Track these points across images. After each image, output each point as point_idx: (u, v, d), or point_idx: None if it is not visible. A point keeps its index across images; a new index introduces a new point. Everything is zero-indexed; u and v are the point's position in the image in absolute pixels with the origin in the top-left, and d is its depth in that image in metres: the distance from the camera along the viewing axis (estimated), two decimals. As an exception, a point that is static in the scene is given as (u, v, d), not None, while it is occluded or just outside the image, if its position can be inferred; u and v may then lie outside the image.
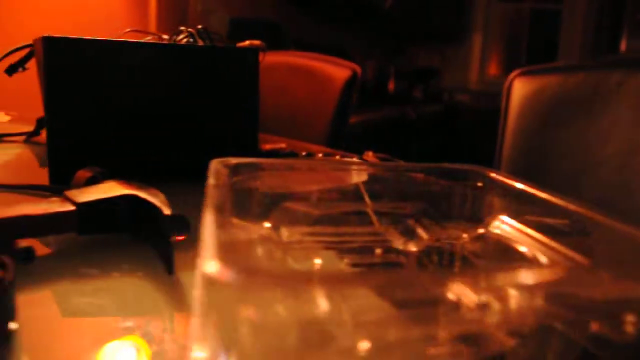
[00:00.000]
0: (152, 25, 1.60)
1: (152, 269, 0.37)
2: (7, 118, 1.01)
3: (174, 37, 0.69)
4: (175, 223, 0.38)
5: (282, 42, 2.05)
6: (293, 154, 0.68)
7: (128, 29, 0.77)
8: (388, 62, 2.65)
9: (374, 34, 2.46)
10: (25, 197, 0.53)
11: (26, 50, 0.76)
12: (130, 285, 0.36)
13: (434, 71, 2.97)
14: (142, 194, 0.41)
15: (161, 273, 0.37)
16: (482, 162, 0.66)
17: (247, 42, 0.72)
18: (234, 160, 0.37)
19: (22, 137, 0.85)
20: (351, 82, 1.12)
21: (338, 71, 1.13)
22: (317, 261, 0.36)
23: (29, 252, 0.36)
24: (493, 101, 3.49)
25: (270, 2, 2.17)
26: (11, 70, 0.74)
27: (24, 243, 0.36)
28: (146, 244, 0.41)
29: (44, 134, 0.87)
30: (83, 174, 0.48)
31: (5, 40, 0.76)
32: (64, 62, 0.56)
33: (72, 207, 0.40)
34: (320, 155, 0.72)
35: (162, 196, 0.41)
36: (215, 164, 0.35)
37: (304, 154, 0.73)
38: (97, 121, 0.59)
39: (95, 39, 0.58)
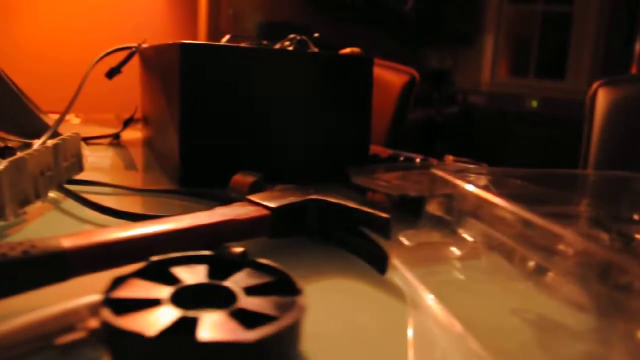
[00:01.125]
0: (202, 33, 1.60)
1: (360, 270, 0.39)
2: (77, 120, 1.01)
3: (283, 43, 0.70)
4: (384, 225, 0.39)
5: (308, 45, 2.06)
6: (411, 160, 0.69)
7: (228, 35, 0.78)
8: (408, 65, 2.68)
9: (394, 37, 2.48)
10: (167, 200, 0.54)
11: (117, 54, 0.77)
12: (354, 286, 0.37)
13: (447, 73, 3.00)
14: (330, 199, 0.43)
15: (370, 274, 0.38)
16: (502, 162, 0.69)
17: (348, 50, 0.73)
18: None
19: (107, 140, 0.86)
20: (409, 86, 1.14)
21: (397, 77, 1.15)
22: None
23: (244, 256, 0.37)
24: (505, 103, 3.55)
25: (295, 4, 2.18)
26: (111, 73, 0.74)
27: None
28: (340, 246, 0.42)
29: (124, 136, 0.87)
30: (244, 179, 0.49)
31: (57, 47, 0.77)
32: (198, 68, 0.57)
33: (266, 212, 0.41)
34: (419, 159, 0.74)
35: (352, 201, 0.43)
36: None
37: (401, 159, 0.74)
38: (225, 126, 0.60)
39: (228, 46, 0.59)
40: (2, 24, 1.13)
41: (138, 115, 0.95)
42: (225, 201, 0.49)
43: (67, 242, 0.30)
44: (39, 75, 1.14)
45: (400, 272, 0.39)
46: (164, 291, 0.27)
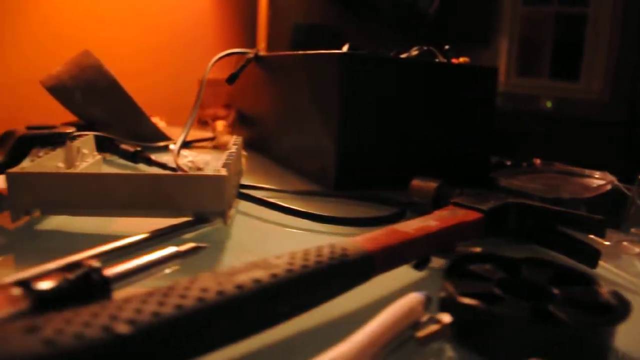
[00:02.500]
0: (262, 36, 1.62)
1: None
2: (162, 123, 1.03)
3: (410, 53, 0.73)
4: (598, 226, 0.42)
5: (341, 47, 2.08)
6: (532, 165, 0.72)
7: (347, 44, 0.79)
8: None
9: (417, 38, 2.51)
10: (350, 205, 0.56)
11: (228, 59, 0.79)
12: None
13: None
14: (528, 202, 0.45)
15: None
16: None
17: (461, 59, 0.76)
18: None
19: (209, 143, 0.88)
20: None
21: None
22: None
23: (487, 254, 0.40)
24: (519, 103, 3.58)
25: (327, 7, 2.20)
26: (232, 79, 0.76)
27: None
28: (543, 244, 0.45)
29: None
30: (426, 184, 0.51)
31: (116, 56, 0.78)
32: (356, 77, 0.60)
33: (480, 214, 0.43)
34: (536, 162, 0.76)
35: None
36: None
37: (508, 163, 0.77)
38: (375, 133, 0.62)
39: (384, 57, 0.62)
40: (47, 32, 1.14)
41: (227, 119, 0.97)
42: (403, 205, 0.52)
43: (369, 245, 0.32)
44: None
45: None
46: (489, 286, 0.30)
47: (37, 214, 0.45)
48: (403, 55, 0.73)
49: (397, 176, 0.63)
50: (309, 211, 0.49)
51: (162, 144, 0.81)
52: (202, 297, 0.23)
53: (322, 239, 0.46)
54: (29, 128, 0.51)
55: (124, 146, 0.69)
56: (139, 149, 0.69)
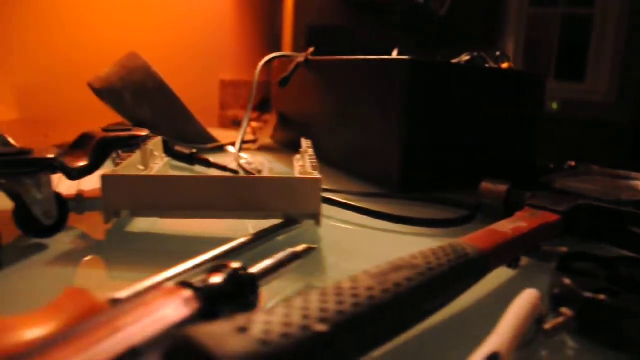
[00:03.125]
0: (288, 40, 1.63)
1: None
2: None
3: (462, 58, 0.74)
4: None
5: (354, 48, 2.10)
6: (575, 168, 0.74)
7: (396, 50, 0.81)
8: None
9: (425, 39, 2.53)
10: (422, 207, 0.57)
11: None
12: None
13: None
14: (597, 203, 0.47)
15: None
16: None
17: (505, 65, 0.77)
18: None
19: (249, 145, 0.89)
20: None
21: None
22: None
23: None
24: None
25: (339, 9, 2.21)
26: (284, 82, 0.77)
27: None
28: (615, 244, 0.46)
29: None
30: (496, 187, 0.53)
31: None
32: (422, 82, 0.62)
33: (557, 216, 0.45)
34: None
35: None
36: None
37: (551, 166, 0.79)
38: (437, 138, 0.64)
39: (447, 63, 0.63)
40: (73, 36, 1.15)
41: (260, 120, 0.98)
42: (474, 207, 0.53)
43: (481, 245, 0.34)
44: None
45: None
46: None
47: (124, 216, 0.47)
48: (454, 61, 0.75)
49: (456, 178, 0.66)
50: (397, 214, 0.51)
51: (211, 145, 0.83)
52: (371, 295, 0.24)
53: (407, 240, 0.48)
54: (105, 130, 0.53)
55: (178, 148, 0.71)
56: (194, 150, 0.70)
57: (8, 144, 0.50)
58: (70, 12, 1.18)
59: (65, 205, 0.41)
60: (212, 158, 0.70)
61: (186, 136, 0.81)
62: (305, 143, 0.60)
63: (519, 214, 0.45)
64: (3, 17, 1.07)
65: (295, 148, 0.89)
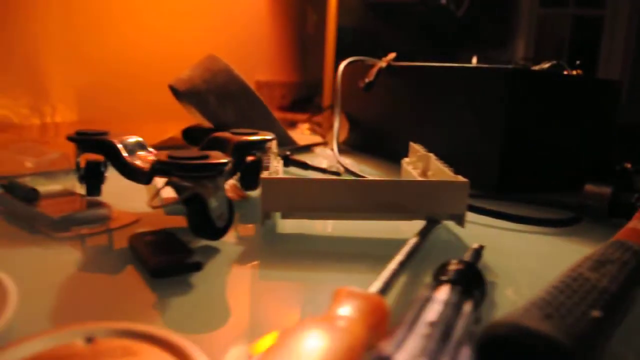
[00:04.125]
0: (331, 43, 1.64)
1: None
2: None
3: (542, 66, 0.76)
4: None
5: (378, 50, 2.12)
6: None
7: (475, 57, 0.82)
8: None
9: (442, 40, 2.54)
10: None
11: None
12: None
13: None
14: None
15: None
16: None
17: (547, 65, 0.79)
18: None
19: (321, 147, 0.90)
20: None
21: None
22: None
23: None
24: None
25: (362, 12, 2.22)
26: (368, 87, 0.78)
27: None
28: None
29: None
30: (600, 189, 0.54)
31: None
32: (520, 89, 0.64)
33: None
34: None
35: None
36: None
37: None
38: (531, 142, 0.66)
39: (542, 72, 0.65)
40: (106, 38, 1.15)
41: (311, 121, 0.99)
42: (577, 208, 0.55)
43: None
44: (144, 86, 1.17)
45: None
46: None
47: (274, 218, 0.47)
48: (535, 68, 0.76)
49: (547, 181, 0.68)
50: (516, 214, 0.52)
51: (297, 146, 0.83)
52: (605, 286, 0.26)
53: (533, 238, 0.49)
54: (234, 133, 0.53)
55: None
56: (287, 152, 0.71)
57: (146, 147, 0.50)
58: (125, 13, 1.18)
59: (232, 208, 0.42)
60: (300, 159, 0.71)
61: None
62: (417, 147, 0.61)
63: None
64: (64, 19, 1.07)
65: (365, 150, 0.90)
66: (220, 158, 0.40)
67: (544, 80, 0.68)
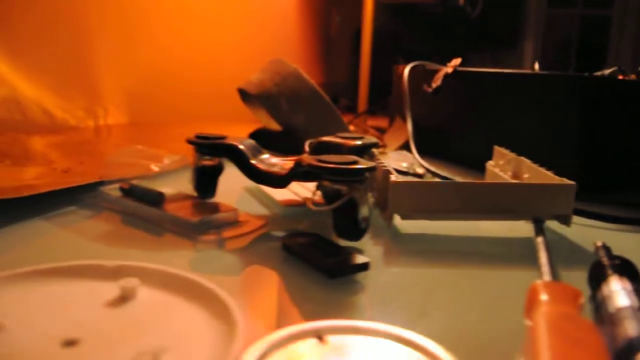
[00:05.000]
0: (367, 46, 1.65)
1: None
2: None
3: (604, 72, 0.78)
4: None
5: (397, 51, 2.13)
6: None
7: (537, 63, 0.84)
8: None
9: (456, 42, 2.57)
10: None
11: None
12: None
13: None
14: None
15: None
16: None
17: (608, 70, 0.81)
18: None
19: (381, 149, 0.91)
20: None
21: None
22: None
23: None
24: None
25: (381, 13, 2.24)
26: (436, 92, 0.79)
27: None
28: None
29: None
30: None
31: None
32: (595, 95, 0.67)
33: None
34: None
35: None
36: None
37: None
38: (606, 144, 0.68)
39: (613, 78, 0.68)
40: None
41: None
42: None
43: None
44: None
45: None
46: None
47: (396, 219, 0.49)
48: (597, 73, 0.79)
49: (621, 181, 0.70)
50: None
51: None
52: None
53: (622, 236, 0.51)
54: (342, 138, 0.54)
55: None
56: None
57: (261, 151, 0.52)
58: (169, 18, 1.19)
59: (371, 211, 0.43)
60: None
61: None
62: (503, 150, 0.63)
63: None
64: (116, 22, 1.08)
65: (426, 153, 0.91)
66: (367, 163, 0.41)
67: (616, 86, 0.71)
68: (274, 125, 0.85)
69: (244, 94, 0.83)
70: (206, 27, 1.28)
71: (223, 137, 0.50)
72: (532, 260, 0.40)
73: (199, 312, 0.29)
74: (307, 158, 0.42)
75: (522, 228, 0.49)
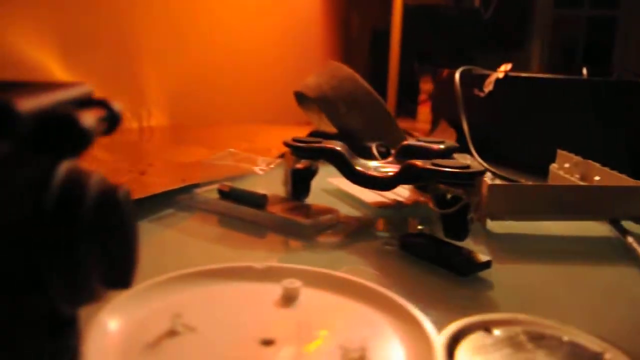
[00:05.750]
0: (396, 49, 1.67)
1: None
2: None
3: None
4: None
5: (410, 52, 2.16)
6: None
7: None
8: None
9: (468, 43, 2.59)
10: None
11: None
12: None
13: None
14: None
15: None
16: None
17: None
18: None
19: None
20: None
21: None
22: None
23: None
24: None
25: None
26: (489, 96, 0.82)
27: None
28: None
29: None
30: None
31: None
32: None
33: None
34: None
35: None
36: None
37: None
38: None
39: None
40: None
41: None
42: None
43: None
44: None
45: None
46: None
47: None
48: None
49: None
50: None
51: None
52: None
53: None
54: (423, 142, 0.57)
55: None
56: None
57: (354, 155, 0.53)
58: (211, 20, 1.21)
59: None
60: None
61: (390, 143, 0.85)
62: (566, 153, 0.65)
63: None
64: (161, 24, 1.09)
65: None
66: (479, 167, 0.43)
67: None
68: (327, 128, 0.87)
69: (301, 97, 0.85)
70: (240, 31, 1.29)
71: (319, 141, 0.52)
72: (622, 257, 0.43)
73: (367, 310, 0.31)
74: (420, 163, 0.44)
75: (595, 228, 0.52)
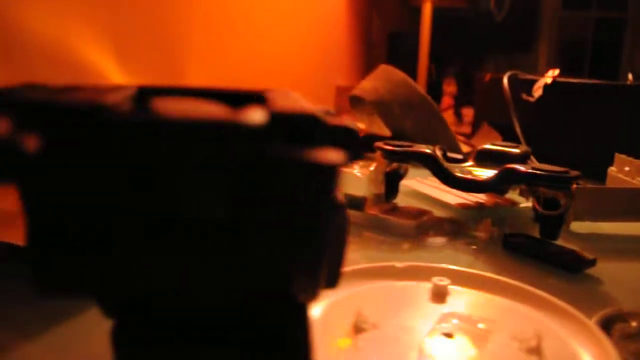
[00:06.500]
0: (425, 53, 1.69)
1: None
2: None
3: None
4: None
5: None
6: None
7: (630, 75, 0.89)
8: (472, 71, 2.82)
9: (480, 45, 2.63)
10: None
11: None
12: None
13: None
14: None
15: None
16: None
17: None
18: None
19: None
20: None
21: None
22: None
23: None
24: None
25: (409, 17, 2.30)
26: (538, 102, 0.85)
27: None
28: None
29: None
30: None
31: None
32: None
33: None
34: None
35: None
36: None
37: None
38: None
39: None
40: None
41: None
42: None
43: None
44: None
45: None
46: None
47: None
48: None
49: None
50: None
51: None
52: None
53: None
54: (497, 144, 0.60)
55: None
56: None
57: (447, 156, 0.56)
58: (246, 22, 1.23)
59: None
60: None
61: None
62: (625, 157, 0.68)
63: None
64: (202, 25, 1.11)
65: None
66: (575, 172, 0.46)
67: None
68: (378, 130, 0.90)
69: (356, 100, 0.87)
70: (274, 36, 1.32)
71: (410, 145, 0.55)
72: None
73: (513, 304, 0.34)
74: (521, 167, 0.47)
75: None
